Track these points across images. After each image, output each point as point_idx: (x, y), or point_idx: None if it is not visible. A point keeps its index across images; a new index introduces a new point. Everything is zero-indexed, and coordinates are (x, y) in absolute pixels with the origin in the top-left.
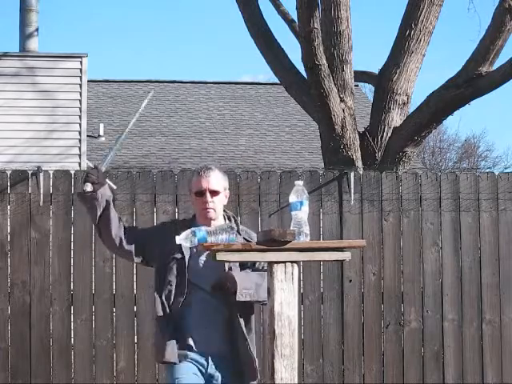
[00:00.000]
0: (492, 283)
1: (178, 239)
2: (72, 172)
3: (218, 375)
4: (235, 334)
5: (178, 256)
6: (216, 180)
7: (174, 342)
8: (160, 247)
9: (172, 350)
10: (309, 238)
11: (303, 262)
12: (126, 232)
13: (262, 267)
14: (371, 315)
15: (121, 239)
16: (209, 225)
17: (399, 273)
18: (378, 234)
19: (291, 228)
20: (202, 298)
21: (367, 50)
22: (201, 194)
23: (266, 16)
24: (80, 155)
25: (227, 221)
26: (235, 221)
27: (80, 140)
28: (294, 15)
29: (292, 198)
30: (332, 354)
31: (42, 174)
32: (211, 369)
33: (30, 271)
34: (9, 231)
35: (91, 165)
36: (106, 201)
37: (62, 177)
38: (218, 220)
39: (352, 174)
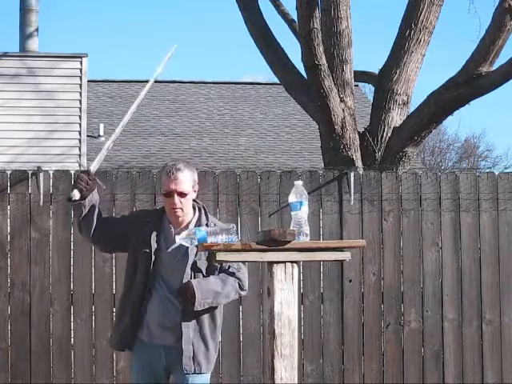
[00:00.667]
0: (492, 283)
1: (179, 239)
2: (72, 172)
3: (173, 366)
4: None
5: (147, 250)
6: (184, 181)
7: (125, 331)
8: (135, 235)
9: (120, 338)
10: (309, 238)
11: (303, 262)
12: (102, 227)
13: (229, 267)
14: (371, 315)
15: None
16: (176, 220)
17: (399, 273)
18: (378, 234)
19: (291, 228)
20: (163, 294)
21: (367, 50)
22: (169, 195)
23: (266, 16)
24: (80, 155)
25: (197, 212)
26: (205, 212)
27: (80, 140)
28: (294, 15)
29: (292, 198)
30: (332, 354)
31: (42, 174)
32: (166, 360)
33: (29, 271)
34: (9, 231)
35: (84, 166)
36: (92, 205)
37: (62, 177)
38: (187, 216)
39: (352, 174)
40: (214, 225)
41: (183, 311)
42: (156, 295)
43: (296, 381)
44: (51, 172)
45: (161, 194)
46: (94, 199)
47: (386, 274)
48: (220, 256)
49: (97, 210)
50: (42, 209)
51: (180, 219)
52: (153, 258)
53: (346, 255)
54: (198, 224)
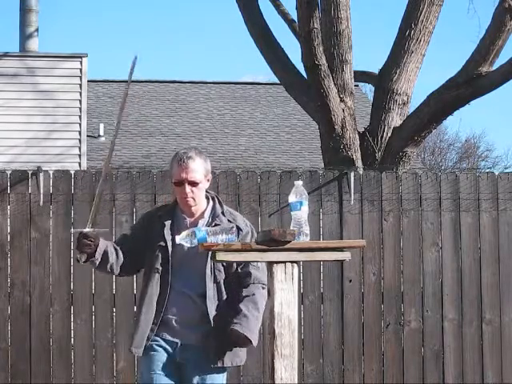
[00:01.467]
0: (492, 283)
1: (178, 239)
2: (72, 172)
3: (188, 361)
4: (204, 326)
5: (162, 244)
6: (196, 170)
7: (146, 332)
8: (146, 239)
9: (140, 340)
10: (309, 237)
11: (303, 262)
12: (122, 260)
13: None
14: (371, 315)
15: (121, 269)
16: (189, 210)
17: (399, 273)
18: (378, 234)
19: (291, 228)
20: (180, 290)
21: (367, 49)
22: (180, 184)
23: (266, 16)
24: (80, 155)
25: (211, 201)
26: (219, 201)
27: (80, 140)
28: (294, 15)
29: (292, 198)
30: (332, 354)
31: (41, 174)
32: (180, 356)
33: (29, 271)
34: (9, 231)
35: (77, 231)
36: (104, 251)
37: (62, 177)
38: (200, 205)
39: (352, 174)
40: (231, 213)
41: (200, 310)
42: (174, 291)
43: (296, 381)
44: (51, 172)
45: (172, 183)
46: (103, 246)
47: (386, 274)
48: (220, 256)
49: (110, 251)
50: (42, 209)
51: (193, 209)
52: (170, 250)
53: (345, 255)
54: (213, 213)
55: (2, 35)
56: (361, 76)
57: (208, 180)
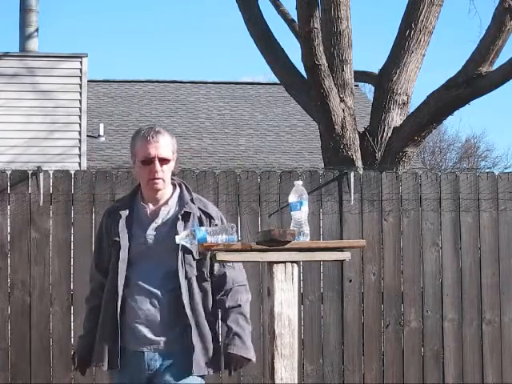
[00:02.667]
0: (492, 283)
1: (178, 239)
2: (72, 172)
3: (159, 372)
4: (180, 325)
5: (117, 239)
6: (166, 145)
7: (107, 343)
8: (107, 240)
9: (102, 352)
10: (309, 237)
11: (303, 261)
12: (102, 278)
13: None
14: (371, 315)
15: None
16: (155, 196)
17: (399, 273)
18: (378, 234)
19: (291, 228)
20: (145, 290)
21: (367, 49)
22: (149, 162)
23: (266, 16)
24: (80, 155)
25: (177, 189)
26: (186, 188)
27: (80, 140)
28: (294, 15)
29: (291, 198)
30: (332, 354)
31: (42, 174)
32: (152, 365)
33: (29, 271)
34: (9, 231)
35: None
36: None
37: (62, 177)
38: (166, 190)
39: (352, 173)
40: (200, 201)
41: (172, 309)
42: (135, 291)
43: (296, 381)
44: (51, 172)
45: (133, 164)
46: (84, 353)
47: (386, 274)
48: (220, 256)
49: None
50: (42, 209)
51: (159, 194)
52: (125, 244)
53: (345, 255)
54: (181, 200)
55: (2, 35)
56: (361, 76)
57: (176, 159)
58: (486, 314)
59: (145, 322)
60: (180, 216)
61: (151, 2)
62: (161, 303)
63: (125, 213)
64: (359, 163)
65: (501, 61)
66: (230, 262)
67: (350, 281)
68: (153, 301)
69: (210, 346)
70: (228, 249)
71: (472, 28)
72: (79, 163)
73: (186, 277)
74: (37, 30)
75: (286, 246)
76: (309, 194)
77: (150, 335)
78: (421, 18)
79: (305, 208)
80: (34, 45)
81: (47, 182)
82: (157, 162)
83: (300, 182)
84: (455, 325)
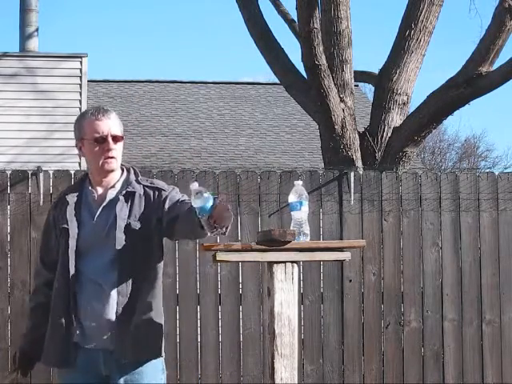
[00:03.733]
0: (492, 283)
1: (193, 203)
2: (72, 172)
3: (113, 370)
4: (128, 320)
5: (65, 226)
6: (117, 123)
7: (57, 341)
8: (55, 231)
9: (53, 352)
10: (309, 237)
11: (303, 261)
12: (46, 272)
13: (180, 201)
14: (371, 315)
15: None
16: (106, 178)
17: (399, 273)
18: (378, 234)
19: (291, 228)
20: (91, 279)
21: (367, 49)
22: (102, 140)
23: (266, 16)
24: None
25: (125, 172)
26: (135, 172)
27: None
28: (294, 15)
29: (291, 198)
30: (332, 354)
31: (41, 174)
32: (105, 366)
33: (29, 271)
34: (9, 231)
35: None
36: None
37: (62, 177)
38: (115, 174)
39: (352, 173)
40: (148, 181)
41: (119, 297)
42: (83, 283)
43: (296, 381)
44: (51, 172)
45: (80, 149)
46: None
47: (386, 274)
48: (220, 256)
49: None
50: (42, 209)
51: (109, 176)
52: (73, 231)
53: (346, 255)
54: (127, 183)
55: (2, 35)
56: (361, 76)
57: (122, 133)
58: (486, 314)
59: (94, 318)
60: (121, 197)
61: (151, 1)
62: (107, 297)
63: (72, 199)
64: (359, 163)
65: (501, 61)
66: (229, 262)
67: (350, 281)
68: (99, 295)
69: (152, 332)
70: (228, 249)
71: (472, 28)
72: (79, 163)
73: (127, 263)
74: (37, 29)
75: (286, 246)
76: (309, 193)
77: (98, 330)
78: (421, 17)
79: (305, 208)
80: (33, 45)
81: (47, 182)
82: (110, 140)
83: (300, 182)
84: (455, 325)
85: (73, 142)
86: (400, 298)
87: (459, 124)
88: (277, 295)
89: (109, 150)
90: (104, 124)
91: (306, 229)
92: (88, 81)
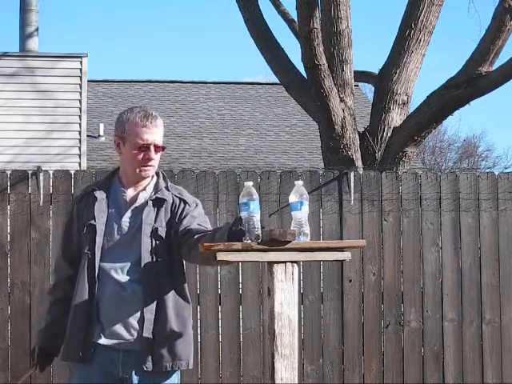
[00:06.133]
0: (492, 283)
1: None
2: (72, 172)
3: (131, 373)
4: (157, 321)
5: (93, 222)
6: (161, 132)
7: (78, 337)
8: (78, 225)
9: (74, 347)
10: (309, 237)
11: (303, 262)
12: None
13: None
14: (371, 315)
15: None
16: (140, 181)
17: (399, 273)
18: (378, 234)
19: (291, 228)
20: (116, 281)
21: (367, 49)
22: (145, 148)
23: (266, 16)
24: (80, 155)
25: (155, 176)
26: (163, 177)
27: (80, 140)
28: (294, 15)
29: (292, 198)
30: (332, 354)
31: (41, 174)
32: (123, 367)
33: (29, 271)
34: (9, 231)
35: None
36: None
37: (62, 177)
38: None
39: (352, 174)
40: (176, 188)
41: (144, 300)
42: (107, 282)
43: (296, 381)
44: (51, 172)
45: (118, 145)
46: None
47: (386, 274)
48: (220, 256)
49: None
50: (42, 209)
51: (143, 180)
52: (101, 228)
53: (346, 255)
54: (156, 188)
55: (2, 35)
56: (361, 76)
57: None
58: (486, 314)
59: (116, 318)
60: (150, 201)
61: (151, 2)
62: (129, 299)
63: (102, 195)
64: (359, 163)
65: (501, 61)
66: (230, 262)
67: (350, 281)
68: (122, 295)
69: (182, 337)
70: (228, 249)
71: (472, 28)
72: (79, 163)
73: (151, 267)
74: (37, 29)
75: (287, 246)
76: (309, 194)
77: (120, 331)
78: (421, 17)
79: (305, 208)
80: (33, 44)
81: (47, 182)
82: (152, 149)
83: (300, 182)
84: (455, 325)
85: (73, 142)
86: (400, 297)
87: (459, 124)
88: (277, 295)
89: (149, 159)
90: (151, 132)
91: (306, 229)
92: (88, 81)
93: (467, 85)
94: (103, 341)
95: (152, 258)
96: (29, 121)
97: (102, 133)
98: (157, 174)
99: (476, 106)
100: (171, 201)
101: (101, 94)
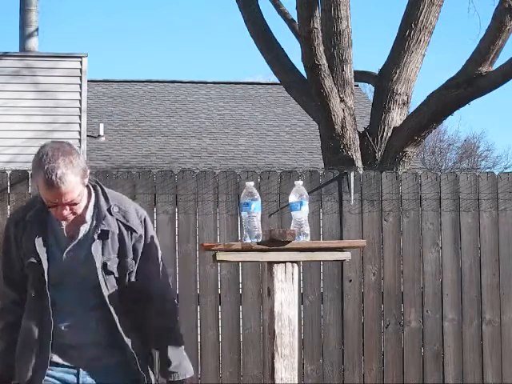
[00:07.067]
0: (492, 283)
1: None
2: None
3: None
4: (114, 337)
5: (34, 260)
6: (71, 190)
7: (29, 358)
8: (17, 253)
9: (25, 370)
10: (309, 237)
11: (303, 262)
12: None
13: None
14: (371, 315)
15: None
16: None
17: (399, 273)
18: (378, 233)
19: (291, 228)
20: (70, 311)
21: (367, 49)
22: (54, 205)
23: (266, 16)
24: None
25: (92, 195)
26: (103, 192)
27: (80, 140)
28: (294, 15)
29: (292, 198)
30: (332, 354)
31: None
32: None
33: None
34: None
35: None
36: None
37: None
38: (83, 199)
39: (352, 173)
40: (120, 209)
41: (106, 322)
42: (60, 313)
43: (296, 381)
44: None
45: (35, 184)
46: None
47: (386, 274)
48: (220, 256)
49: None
50: None
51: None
52: (45, 267)
53: (346, 255)
54: (98, 213)
55: (2, 35)
56: (361, 76)
57: (85, 182)
58: (486, 314)
59: (72, 342)
60: (96, 236)
61: (151, 2)
62: (89, 320)
63: (39, 228)
64: (359, 163)
65: (501, 61)
66: (229, 262)
67: (350, 281)
68: (80, 318)
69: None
70: (228, 249)
71: (472, 28)
72: None
73: (108, 294)
74: (37, 29)
75: (286, 246)
76: (309, 193)
77: (77, 352)
78: (421, 18)
79: (305, 208)
80: (34, 44)
81: None
82: (63, 208)
83: (300, 182)
84: (455, 325)
85: (72, 142)
86: (400, 297)
87: (459, 124)
88: (277, 295)
89: (61, 214)
90: (55, 193)
91: (306, 229)
92: (88, 81)
93: (467, 85)
94: (58, 359)
95: (105, 291)
96: (29, 120)
97: (101, 133)
98: (94, 188)
99: (476, 106)
100: (118, 231)
101: (101, 93)
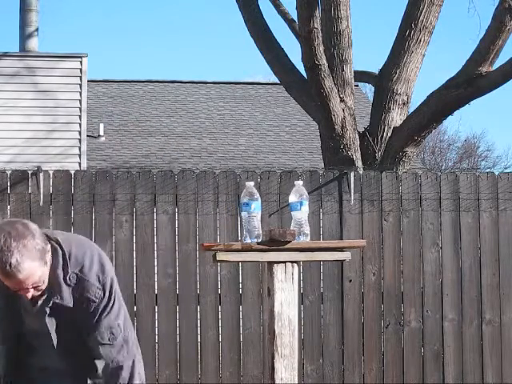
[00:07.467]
0: (492, 283)
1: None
2: (72, 172)
3: None
4: None
5: (6, 321)
6: (31, 274)
7: None
8: None
9: None
10: (309, 237)
11: (303, 261)
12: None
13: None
14: (371, 315)
15: None
16: None
17: (399, 273)
18: (378, 233)
19: (291, 228)
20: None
21: (367, 49)
22: (17, 290)
23: (266, 16)
24: (80, 155)
25: (49, 262)
26: (63, 255)
27: (80, 140)
28: (294, 15)
29: (292, 198)
30: (332, 354)
31: (41, 174)
32: None
33: None
34: None
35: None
36: None
37: (62, 177)
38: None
39: (352, 173)
40: (77, 278)
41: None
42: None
43: (296, 381)
44: (51, 172)
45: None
46: None
47: (386, 274)
48: (220, 256)
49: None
50: (42, 209)
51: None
52: (16, 325)
53: (346, 255)
54: (52, 283)
55: (2, 35)
56: (361, 76)
57: (48, 255)
58: (486, 314)
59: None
60: (47, 309)
61: (151, 2)
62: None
63: (7, 291)
64: (359, 163)
65: (501, 61)
66: (229, 262)
67: (350, 281)
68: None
69: None
70: (228, 249)
71: (472, 28)
72: (79, 163)
73: (71, 357)
74: (37, 29)
75: (286, 246)
76: (309, 193)
77: None
78: (421, 18)
79: (305, 208)
80: (33, 44)
81: (47, 182)
82: (25, 290)
83: (300, 182)
84: (455, 325)
85: (73, 142)
86: (400, 297)
87: (459, 124)
88: (277, 295)
89: (27, 297)
90: (14, 282)
91: (306, 229)
92: (88, 81)
93: (467, 85)
94: None
95: (69, 351)
96: (29, 121)
97: (101, 133)
98: (54, 251)
99: (476, 106)
100: (72, 303)
101: (101, 93)
